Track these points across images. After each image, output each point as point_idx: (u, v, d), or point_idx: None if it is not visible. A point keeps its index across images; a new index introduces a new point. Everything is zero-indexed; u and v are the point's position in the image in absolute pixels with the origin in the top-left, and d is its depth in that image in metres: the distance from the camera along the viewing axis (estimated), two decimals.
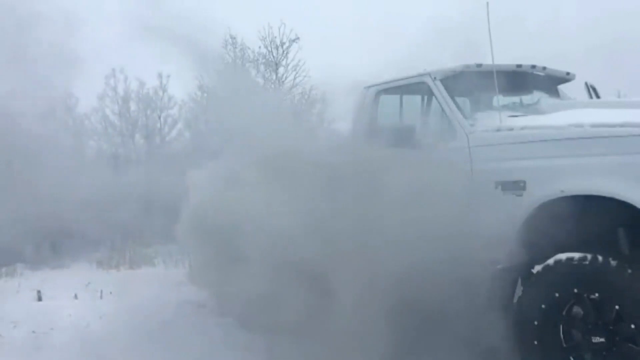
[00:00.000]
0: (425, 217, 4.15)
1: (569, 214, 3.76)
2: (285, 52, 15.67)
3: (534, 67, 5.06)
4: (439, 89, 4.71)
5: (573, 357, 3.72)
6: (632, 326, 3.43)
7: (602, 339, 3.55)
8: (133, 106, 19.31)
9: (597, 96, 5.34)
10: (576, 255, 3.69)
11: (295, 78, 15.67)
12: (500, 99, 4.61)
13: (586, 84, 5.38)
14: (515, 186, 4.02)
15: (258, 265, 4.81)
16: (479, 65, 4.71)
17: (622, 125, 3.68)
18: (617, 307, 3.50)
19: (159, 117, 18.93)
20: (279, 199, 4.73)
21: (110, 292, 7.80)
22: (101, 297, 7.88)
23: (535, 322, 3.78)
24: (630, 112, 3.96)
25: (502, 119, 4.31)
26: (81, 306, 6.99)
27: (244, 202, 5.01)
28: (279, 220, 4.60)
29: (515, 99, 4.96)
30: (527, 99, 5.00)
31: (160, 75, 18.20)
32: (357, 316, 4.42)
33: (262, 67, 15.52)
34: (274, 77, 15.76)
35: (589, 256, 3.63)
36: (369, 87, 5.30)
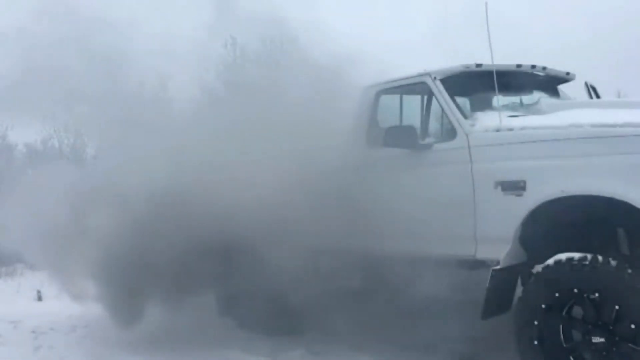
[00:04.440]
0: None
1: (569, 214, 3.77)
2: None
3: (534, 67, 5.05)
4: (439, 89, 4.70)
5: (573, 357, 3.72)
6: (632, 326, 3.43)
7: (602, 339, 3.55)
8: None
9: (597, 96, 5.34)
10: (576, 255, 3.69)
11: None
12: (500, 99, 4.61)
13: (586, 84, 5.37)
14: (515, 186, 4.01)
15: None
16: (479, 65, 4.70)
17: (622, 125, 3.68)
18: (617, 307, 3.50)
19: None
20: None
21: None
22: None
23: (535, 322, 3.78)
24: (630, 112, 3.96)
25: (502, 119, 4.30)
26: (81, 306, 6.98)
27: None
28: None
29: (515, 99, 4.96)
30: (527, 99, 5.00)
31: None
32: None
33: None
34: None
35: (589, 256, 3.63)
36: (369, 87, 5.30)
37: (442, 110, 4.69)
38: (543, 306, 3.76)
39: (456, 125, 4.50)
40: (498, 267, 3.98)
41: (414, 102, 5.16)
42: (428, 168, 4.58)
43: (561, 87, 5.41)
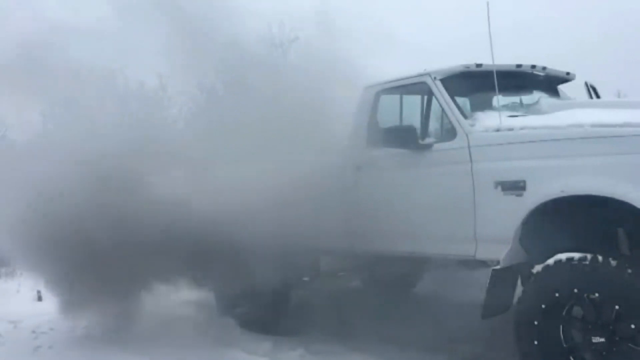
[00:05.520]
0: None
1: (569, 214, 3.77)
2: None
3: (534, 67, 5.06)
4: (439, 89, 4.70)
5: (573, 357, 3.72)
6: (632, 326, 3.42)
7: (602, 339, 3.54)
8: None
9: (597, 96, 5.33)
10: (576, 255, 3.68)
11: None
12: (500, 99, 4.61)
13: (586, 84, 5.37)
14: (515, 186, 4.01)
15: None
16: (479, 65, 4.70)
17: (622, 125, 3.67)
18: (617, 307, 3.49)
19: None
20: None
21: None
22: None
23: (535, 322, 3.77)
24: (630, 112, 3.96)
25: (502, 119, 4.30)
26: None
27: None
28: None
29: (515, 99, 4.96)
30: (527, 99, 5.00)
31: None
32: None
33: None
34: None
35: (589, 256, 3.62)
36: (369, 87, 5.30)
37: (442, 110, 4.69)
38: (543, 306, 3.75)
39: (456, 125, 4.50)
40: (498, 267, 3.98)
41: (414, 102, 5.16)
42: (428, 168, 4.58)
43: (561, 87, 5.41)
